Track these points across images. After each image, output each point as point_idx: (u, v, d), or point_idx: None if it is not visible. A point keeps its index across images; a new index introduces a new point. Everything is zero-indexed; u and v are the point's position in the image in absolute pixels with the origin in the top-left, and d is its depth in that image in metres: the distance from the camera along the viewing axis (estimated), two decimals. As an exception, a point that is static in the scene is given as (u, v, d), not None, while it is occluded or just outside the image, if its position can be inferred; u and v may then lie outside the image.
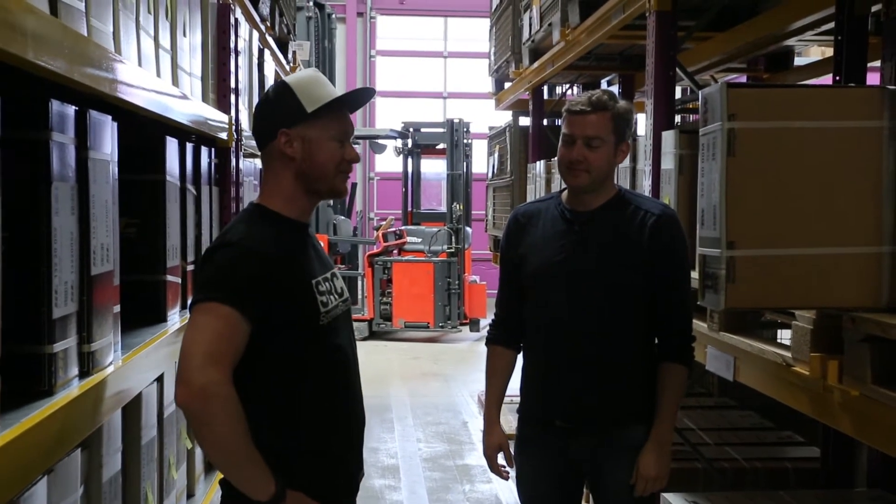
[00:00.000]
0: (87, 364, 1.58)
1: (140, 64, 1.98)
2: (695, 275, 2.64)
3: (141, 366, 1.92)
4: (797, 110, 1.81)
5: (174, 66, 2.35)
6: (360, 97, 2.04)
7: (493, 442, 2.60)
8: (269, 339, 1.85)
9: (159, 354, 2.06)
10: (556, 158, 5.04)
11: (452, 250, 10.57)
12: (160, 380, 2.21)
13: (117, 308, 1.81)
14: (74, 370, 1.53)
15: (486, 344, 2.69)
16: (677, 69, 3.22)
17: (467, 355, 9.76)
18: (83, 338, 1.57)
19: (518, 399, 2.62)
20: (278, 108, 1.95)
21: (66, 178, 1.48)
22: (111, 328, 1.72)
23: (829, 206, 1.84)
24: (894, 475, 3.33)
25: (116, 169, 1.82)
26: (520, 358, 2.66)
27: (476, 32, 14.32)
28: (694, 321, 2.58)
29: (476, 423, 6.68)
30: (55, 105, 1.42)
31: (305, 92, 1.94)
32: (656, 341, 2.54)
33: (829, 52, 6.00)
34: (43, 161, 1.39)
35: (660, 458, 2.44)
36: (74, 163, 1.52)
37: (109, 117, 1.72)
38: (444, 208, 11.76)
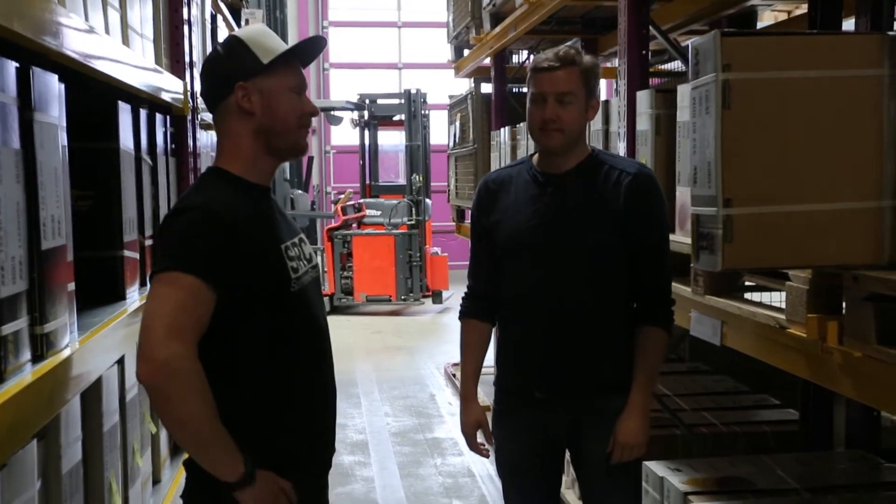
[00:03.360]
0: (41, 347, 1.44)
1: (86, 18, 1.82)
2: (680, 237, 2.56)
3: (100, 347, 1.78)
4: (794, 59, 1.71)
5: (124, 25, 2.18)
6: (313, 49, 1.92)
7: (471, 419, 2.50)
8: (236, 309, 1.73)
9: (119, 335, 1.92)
10: (521, 125, 4.96)
11: (413, 222, 10.46)
12: (121, 362, 2.07)
13: (72, 286, 1.67)
14: (26, 354, 1.39)
15: (460, 318, 2.58)
16: (650, 27, 3.11)
17: (431, 328, 9.68)
18: (35, 319, 1.42)
19: (493, 372, 2.53)
20: (231, 62, 1.83)
21: (8, 141, 1.32)
22: (66, 308, 1.58)
23: (829, 160, 1.75)
24: (872, 435, 3.31)
25: (66, 135, 1.66)
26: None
27: (430, 1, 14.12)
28: (674, 285, 2.51)
29: (444, 396, 6.61)
30: (-7, 59, 1.27)
31: (258, 44, 1.83)
32: (635, 306, 2.46)
33: (783, 17, 5.97)
34: (-19, 122, 1.24)
35: (638, 424, 2.36)
36: (18, 125, 1.37)
37: (56, 76, 1.56)
38: (402, 180, 11.62)
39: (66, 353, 1.55)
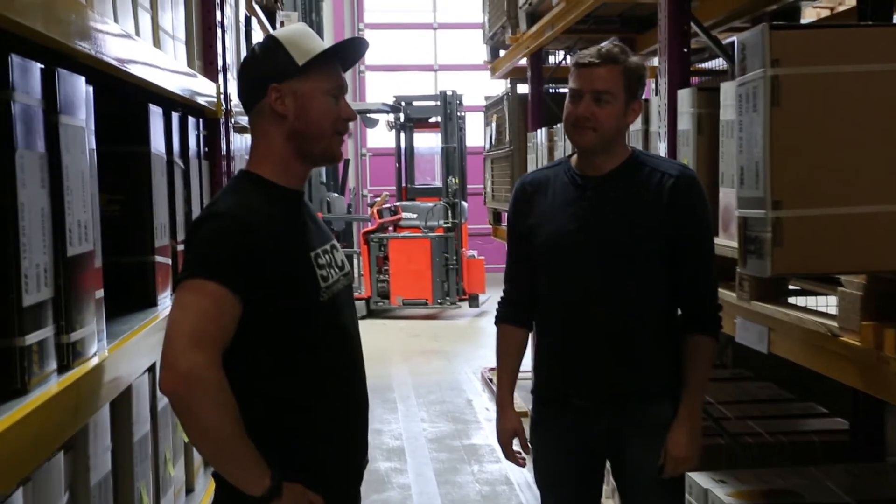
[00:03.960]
0: (67, 356, 1.40)
1: (116, 20, 1.79)
2: (724, 241, 2.47)
3: (130, 355, 1.75)
4: (847, 53, 1.63)
5: (155, 26, 2.15)
6: (354, 49, 1.87)
7: (507, 427, 2.44)
8: (263, 318, 1.69)
9: (150, 342, 1.88)
10: (558, 125, 4.88)
11: (449, 225, 10.40)
12: (152, 369, 2.04)
13: (100, 293, 1.63)
14: (52, 364, 1.36)
15: (496, 323, 2.52)
16: (691, 23, 3.03)
17: (468, 331, 9.62)
18: (61, 327, 1.39)
19: (530, 377, 2.46)
20: (266, 63, 1.79)
21: (33, 145, 1.29)
22: (94, 315, 1.54)
23: (884, 159, 1.66)
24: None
25: (94, 138, 1.63)
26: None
27: (466, 2, 14.05)
28: (719, 290, 2.42)
29: (481, 401, 6.54)
30: (16, 60, 1.23)
31: (295, 44, 1.78)
32: (679, 312, 2.38)
33: (825, 13, 5.81)
34: (4, 125, 1.21)
35: (690, 436, 2.29)
36: (43, 128, 1.34)
37: (83, 78, 1.53)
38: (438, 183, 11.57)
39: (95, 361, 1.51)
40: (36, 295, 1.29)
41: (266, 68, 1.78)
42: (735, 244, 2.48)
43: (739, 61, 1.72)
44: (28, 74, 1.29)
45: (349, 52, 1.87)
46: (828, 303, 2.76)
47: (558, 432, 2.39)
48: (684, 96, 2.87)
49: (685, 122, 2.87)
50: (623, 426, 2.32)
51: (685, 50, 3.01)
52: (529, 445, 2.45)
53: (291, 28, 1.87)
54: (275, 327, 1.72)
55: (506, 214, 6.90)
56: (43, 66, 1.35)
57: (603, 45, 2.27)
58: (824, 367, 2.06)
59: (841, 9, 5.52)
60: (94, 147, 1.64)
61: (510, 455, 2.45)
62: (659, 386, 2.31)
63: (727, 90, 2.57)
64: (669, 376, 2.31)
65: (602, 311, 2.29)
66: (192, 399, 1.56)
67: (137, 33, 1.97)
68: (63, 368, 1.39)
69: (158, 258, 2.13)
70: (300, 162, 1.82)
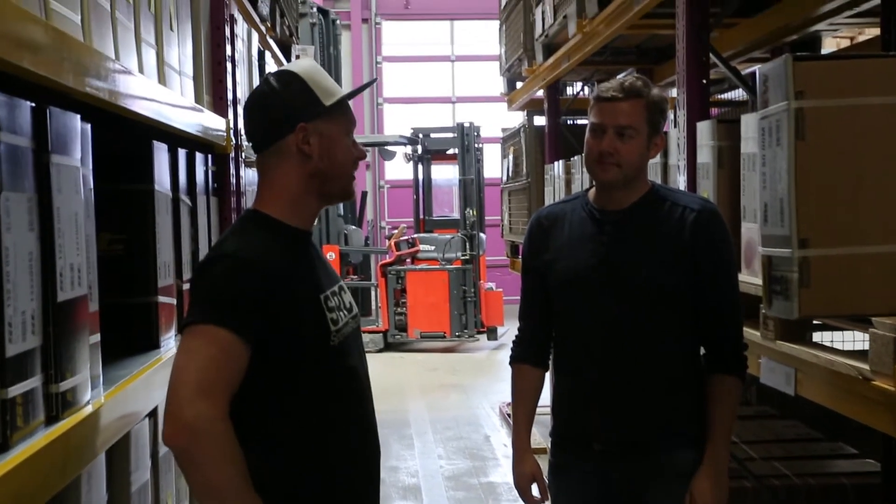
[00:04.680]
0: (56, 407, 1.33)
1: (118, 57, 1.74)
2: (747, 277, 2.39)
3: (128, 401, 1.68)
4: (874, 84, 1.56)
5: (160, 62, 2.11)
6: (360, 90, 1.90)
7: (525, 471, 2.34)
8: (271, 365, 1.63)
9: (151, 386, 1.82)
10: (576, 158, 4.81)
11: (467, 257, 10.34)
12: (153, 414, 1.97)
13: (96, 337, 1.57)
14: (40, 415, 1.29)
15: (511, 363, 2.44)
16: (710, 54, 2.96)
17: (486, 365, 9.51)
18: (50, 376, 1.32)
19: (549, 412, 2.37)
20: (291, 100, 1.74)
21: (20, 187, 1.23)
22: (87, 362, 1.48)
23: (916, 195, 1.58)
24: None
25: (91, 177, 1.58)
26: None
27: (483, 35, 14.11)
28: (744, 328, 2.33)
29: (499, 437, 6.42)
30: (2, 98, 1.18)
31: (318, 84, 1.75)
32: (703, 352, 2.29)
33: (845, 43, 5.73)
34: (-14, 166, 1.15)
35: (716, 483, 2.19)
36: (32, 169, 1.28)
37: (78, 116, 1.48)
38: (456, 214, 11.53)
39: (88, 410, 1.44)
40: (21, 344, 1.22)
41: (291, 105, 1.73)
42: (759, 281, 2.40)
43: (761, 94, 1.65)
44: (16, 113, 1.24)
45: (359, 91, 1.88)
46: (854, 338, 2.66)
47: (578, 477, 2.30)
48: (704, 128, 2.80)
49: (705, 155, 2.80)
50: (645, 472, 2.22)
51: (704, 81, 2.94)
52: (548, 491, 2.36)
53: (306, 65, 1.83)
54: (284, 373, 1.66)
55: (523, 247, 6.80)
56: (34, 104, 1.30)
57: (625, 78, 2.21)
58: (855, 411, 1.96)
59: (861, 38, 5.44)
60: (92, 186, 1.59)
61: (529, 500, 2.36)
62: (683, 430, 2.22)
63: (748, 122, 2.50)
64: (694, 419, 2.22)
65: (622, 352, 2.20)
66: (197, 452, 1.49)
67: (141, 70, 1.93)
68: (51, 420, 1.32)
69: (162, 298, 2.07)
70: (316, 200, 1.79)
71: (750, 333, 2.36)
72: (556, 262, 2.31)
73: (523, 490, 2.36)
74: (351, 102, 1.85)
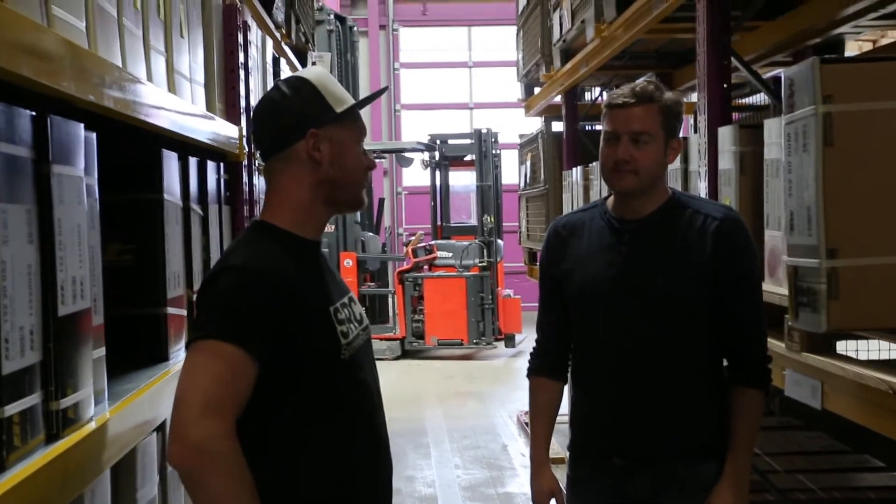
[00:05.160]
0: (57, 425, 1.29)
1: (125, 65, 1.71)
2: (771, 286, 2.32)
3: (135, 416, 1.64)
4: (908, 87, 1.49)
5: (170, 69, 2.08)
6: (372, 97, 1.87)
7: (543, 486, 2.28)
8: (281, 381, 1.58)
9: (160, 399, 1.78)
10: (594, 164, 4.75)
11: (485, 264, 10.27)
12: (161, 428, 1.93)
13: (101, 351, 1.53)
14: (39, 434, 1.25)
15: (529, 376, 2.38)
16: (732, 58, 2.90)
17: (503, 373, 9.44)
18: (50, 393, 1.28)
19: (566, 419, 2.31)
20: (302, 106, 1.70)
21: (18, 198, 1.20)
22: (90, 377, 1.44)
23: (951, 203, 1.51)
24: None
25: (95, 187, 1.54)
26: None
27: (501, 41, 14.08)
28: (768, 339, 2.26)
29: (516, 446, 6.36)
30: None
31: (328, 90, 1.72)
32: (725, 363, 2.22)
33: (867, 46, 5.64)
34: (-20, 178, 1.11)
35: (737, 496, 2.13)
36: (32, 180, 1.24)
37: (81, 125, 1.44)
38: (474, 221, 11.48)
39: (91, 426, 1.40)
40: (19, 360, 1.18)
41: (302, 111, 1.70)
42: (783, 290, 2.33)
43: (787, 98, 1.59)
44: (15, 122, 1.20)
45: (370, 99, 1.85)
46: (880, 347, 2.58)
47: (597, 491, 2.24)
48: (726, 134, 2.74)
49: (727, 161, 2.73)
50: (666, 485, 2.16)
51: (725, 85, 2.88)
52: (566, 505, 2.30)
53: (317, 71, 1.81)
54: (293, 389, 1.61)
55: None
56: (34, 112, 1.26)
57: (636, 83, 2.15)
58: (885, 426, 1.89)
59: (885, 41, 5.35)
60: (97, 196, 1.55)
61: (547, 517, 2.30)
62: (705, 443, 2.16)
63: (771, 127, 2.44)
64: (715, 432, 2.15)
65: (642, 364, 2.14)
66: (204, 473, 1.45)
67: (150, 78, 1.89)
68: (52, 438, 1.28)
69: (171, 310, 2.03)
70: (325, 209, 1.75)
71: (774, 345, 2.29)
72: (574, 272, 2.25)
73: (542, 506, 2.30)
74: (366, 110, 1.82)
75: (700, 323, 2.16)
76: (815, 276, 1.53)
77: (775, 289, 2.36)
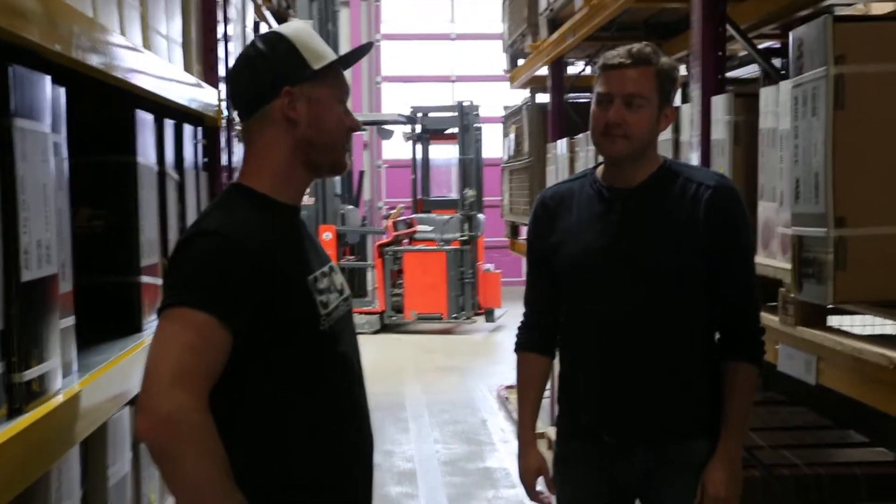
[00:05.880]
0: (20, 398, 1.21)
1: (96, 16, 1.61)
2: (766, 259, 2.26)
3: (105, 389, 1.56)
4: (924, 49, 1.42)
5: (145, 25, 1.97)
6: (358, 55, 1.72)
7: (530, 465, 2.22)
8: (256, 352, 1.50)
9: (132, 371, 1.70)
10: (580, 136, 4.67)
11: (465, 238, 10.21)
12: (134, 402, 1.84)
13: (70, 320, 1.45)
14: (1, 408, 1.17)
15: (516, 351, 2.31)
16: (728, 26, 2.82)
17: (483, 347, 9.40)
18: (13, 364, 1.20)
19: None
20: (276, 63, 1.60)
21: (-25, 153, 1.10)
22: (58, 347, 1.35)
23: (964, 171, 1.45)
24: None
25: (64, 146, 1.45)
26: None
27: (483, 13, 13.92)
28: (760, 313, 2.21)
29: (496, 421, 6.32)
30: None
31: (306, 46, 1.61)
32: (718, 337, 2.16)
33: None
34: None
35: (731, 475, 2.08)
36: (-9, 134, 1.15)
37: (48, 78, 1.34)
38: (454, 195, 11.39)
39: (59, 400, 1.32)
40: (-23, 328, 1.10)
41: (278, 69, 1.60)
42: (777, 263, 2.27)
43: (795, 59, 1.52)
44: (-29, 70, 1.10)
45: (354, 56, 1.72)
46: (863, 322, 2.53)
47: (586, 470, 2.18)
48: (719, 103, 2.66)
49: (720, 131, 2.66)
50: (657, 465, 2.11)
51: (720, 54, 2.80)
52: (553, 483, 2.24)
53: (297, 27, 1.70)
54: (269, 360, 1.53)
55: (524, 228, 6.65)
56: (-7, 61, 1.17)
57: (633, 45, 2.07)
58: (883, 402, 1.84)
59: (875, 11, 5.28)
60: (66, 156, 1.46)
61: (534, 496, 2.24)
62: (697, 420, 2.10)
63: (768, 95, 2.37)
64: (708, 410, 2.10)
65: (634, 338, 2.08)
66: (173, 447, 1.36)
67: (123, 32, 1.79)
68: (14, 412, 1.20)
69: (145, 278, 1.94)
70: (304, 172, 1.65)
71: (767, 318, 2.23)
72: (563, 244, 2.18)
73: (529, 484, 2.24)
74: (347, 74, 1.72)
75: (692, 296, 2.09)
76: (822, 246, 1.47)
77: (769, 261, 2.30)
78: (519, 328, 2.32)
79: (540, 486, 2.23)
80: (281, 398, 1.55)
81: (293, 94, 1.58)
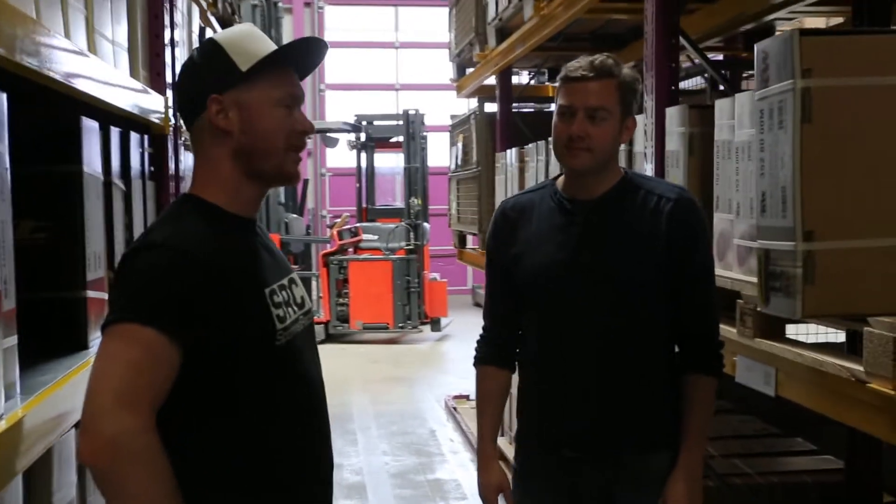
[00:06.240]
0: (-43, 426, 1.13)
1: (39, 17, 1.52)
2: (723, 271, 2.26)
3: (49, 411, 1.47)
4: (891, 63, 1.43)
5: (90, 28, 1.89)
6: (311, 53, 1.60)
7: (490, 481, 2.19)
8: (208, 370, 1.43)
9: (79, 391, 1.61)
10: (530, 146, 4.67)
11: (411, 247, 10.16)
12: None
13: (12, 340, 1.36)
14: (-62, 437, 1.08)
15: (476, 364, 2.27)
16: (681, 37, 2.84)
17: (430, 357, 9.36)
18: (-50, 390, 1.11)
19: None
20: (206, 71, 1.53)
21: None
22: (1, 368, 1.27)
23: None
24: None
25: (6, 155, 1.36)
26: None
27: (428, 22, 13.92)
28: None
29: (445, 432, 6.28)
30: None
31: (238, 47, 1.51)
32: (677, 349, 2.16)
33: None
34: None
35: (691, 488, 2.07)
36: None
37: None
38: (399, 203, 11.34)
39: (0, 427, 1.24)
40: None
41: (205, 76, 1.53)
42: (733, 275, 2.28)
43: (760, 72, 1.51)
44: None
45: (305, 55, 1.60)
46: (808, 330, 2.56)
47: (546, 484, 2.15)
48: (673, 114, 2.68)
49: (674, 143, 2.67)
50: (618, 478, 2.09)
51: (673, 65, 2.81)
52: (512, 499, 2.21)
53: (235, 29, 1.60)
54: (221, 379, 1.46)
55: (472, 237, 6.64)
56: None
57: (595, 56, 2.05)
58: (844, 414, 1.85)
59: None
60: (8, 166, 1.38)
61: (493, 513, 2.21)
62: (658, 433, 2.09)
63: (723, 107, 2.38)
64: (669, 422, 2.09)
65: (595, 351, 2.06)
66: (118, 471, 1.29)
67: (67, 35, 1.71)
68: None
69: (91, 293, 1.86)
70: (251, 184, 1.56)
71: (726, 330, 2.24)
72: (524, 255, 2.15)
73: (489, 501, 2.20)
74: None
75: (654, 307, 2.09)
76: (790, 260, 1.46)
77: (725, 273, 2.31)
78: (478, 341, 2.29)
79: (500, 502, 2.20)
80: (235, 418, 1.48)
81: (221, 102, 1.50)
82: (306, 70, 1.62)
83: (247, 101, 1.51)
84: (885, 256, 1.44)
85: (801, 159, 1.42)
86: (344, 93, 14.65)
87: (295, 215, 10.74)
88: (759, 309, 1.77)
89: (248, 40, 1.53)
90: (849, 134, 1.43)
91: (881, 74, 1.42)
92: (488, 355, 2.24)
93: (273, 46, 1.54)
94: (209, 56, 1.53)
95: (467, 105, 9.41)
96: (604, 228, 2.09)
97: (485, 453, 2.21)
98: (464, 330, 10.68)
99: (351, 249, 10.48)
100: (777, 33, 5.51)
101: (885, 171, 1.44)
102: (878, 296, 1.47)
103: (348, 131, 11.06)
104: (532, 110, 6.21)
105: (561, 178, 2.20)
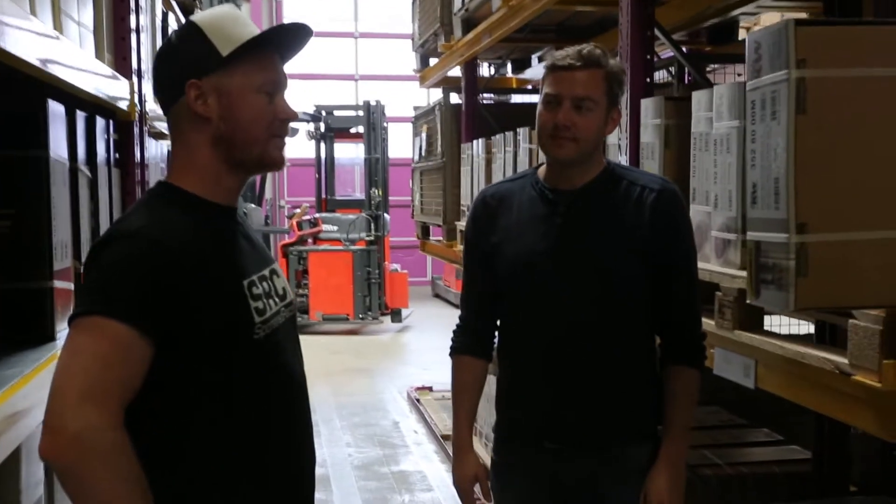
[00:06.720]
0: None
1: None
2: (702, 264, 2.25)
3: (16, 407, 1.41)
4: (887, 54, 1.42)
5: (56, 9, 1.81)
6: (295, 37, 1.54)
7: (466, 472, 2.15)
8: (182, 364, 1.38)
9: (46, 386, 1.54)
10: (497, 137, 4.64)
11: (372, 238, 10.09)
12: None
13: (-22, 333, 1.30)
14: None
15: (452, 354, 2.24)
16: (656, 29, 2.83)
17: (391, 348, 9.31)
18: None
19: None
20: (184, 55, 1.46)
21: None
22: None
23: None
24: (890, 473, 3.05)
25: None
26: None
27: (388, 12, 13.81)
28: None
29: (408, 423, 6.25)
30: None
31: (218, 31, 1.45)
32: (659, 341, 2.15)
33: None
34: None
35: (673, 480, 2.05)
36: None
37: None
38: (359, 194, 11.26)
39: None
40: None
41: (183, 61, 1.46)
42: (710, 266, 2.28)
43: (753, 62, 1.49)
44: None
45: (289, 39, 1.54)
46: (780, 322, 2.57)
47: (526, 477, 2.12)
48: (648, 106, 2.66)
49: (649, 135, 2.66)
50: (600, 471, 2.07)
51: (648, 57, 2.80)
52: (491, 492, 2.18)
53: (217, 11, 1.52)
54: (196, 374, 1.40)
55: (436, 229, 6.58)
56: None
57: (583, 46, 2.02)
58: (828, 407, 1.85)
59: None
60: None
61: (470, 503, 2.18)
62: (640, 425, 2.08)
63: (700, 99, 2.37)
64: (651, 414, 2.07)
65: (576, 341, 2.03)
66: (83, 469, 1.23)
67: (34, 13, 1.63)
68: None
69: (58, 283, 1.79)
70: (231, 172, 1.51)
71: (703, 322, 2.23)
72: (504, 245, 2.12)
73: (465, 492, 2.17)
74: None
75: (635, 300, 2.07)
76: (783, 252, 1.45)
77: (703, 265, 2.30)
78: (455, 331, 2.25)
79: (477, 493, 2.17)
80: (213, 414, 1.42)
81: (200, 87, 1.44)
82: (290, 54, 1.56)
83: (227, 87, 1.45)
84: (878, 249, 1.43)
85: (795, 150, 1.41)
86: (303, 82, 14.48)
87: (253, 205, 10.60)
88: (749, 301, 1.76)
89: (229, 23, 1.46)
90: (843, 125, 1.42)
91: (876, 65, 1.41)
92: (465, 345, 2.21)
93: (256, 30, 1.48)
94: (188, 39, 1.46)
95: (428, 96, 9.36)
96: (586, 219, 2.07)
97: (460, 444, 2.18)
98: (424, 321, 10.65)
99: (310, 240, 10.38)
100: (741, 29, 5.57)
101: (879, 163, 1.43)
102: (872, 288, 1.46)
103: (307, 121, 10.94)
104: (492, 102, 6.17)
105: (542, 168, 2.17)
